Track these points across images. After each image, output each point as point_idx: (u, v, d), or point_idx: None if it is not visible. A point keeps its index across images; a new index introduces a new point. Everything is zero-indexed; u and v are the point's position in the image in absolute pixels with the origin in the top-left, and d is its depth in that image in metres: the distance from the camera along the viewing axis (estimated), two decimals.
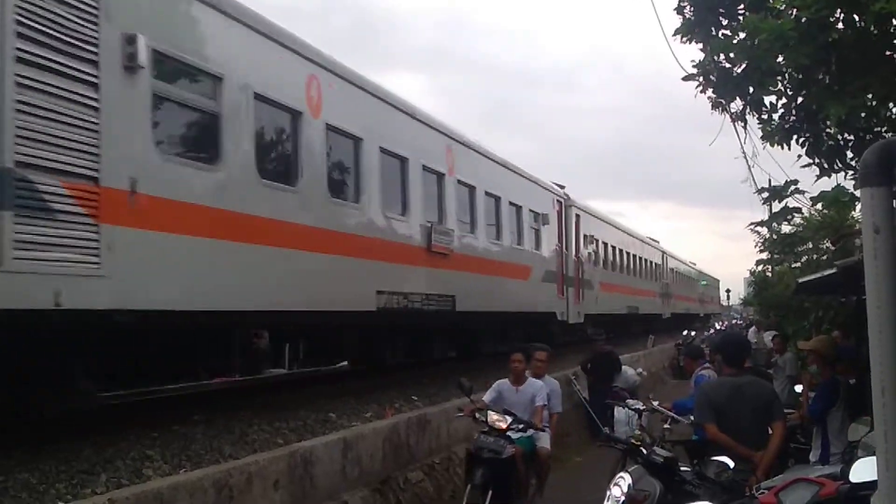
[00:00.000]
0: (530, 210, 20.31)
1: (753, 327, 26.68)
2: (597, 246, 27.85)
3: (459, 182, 15.85)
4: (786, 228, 21.94)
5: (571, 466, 14.47)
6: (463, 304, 15.40)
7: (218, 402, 10.63)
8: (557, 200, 23.21)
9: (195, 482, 6.27)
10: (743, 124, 10.29)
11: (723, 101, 9.46)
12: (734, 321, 55.48)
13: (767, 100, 9.16)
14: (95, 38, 7.10)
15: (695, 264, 65.96)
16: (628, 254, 34.10)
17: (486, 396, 9.29)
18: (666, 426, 9.39)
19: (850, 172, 9.44)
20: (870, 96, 8.04)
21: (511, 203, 18.89)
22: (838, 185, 10.29)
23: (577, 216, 25.05)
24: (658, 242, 45.06)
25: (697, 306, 62.18)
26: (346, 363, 15.79)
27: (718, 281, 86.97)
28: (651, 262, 40.24)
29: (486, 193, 17.34)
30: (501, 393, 9.27)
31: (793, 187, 10.73)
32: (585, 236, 25.76)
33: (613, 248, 31.07)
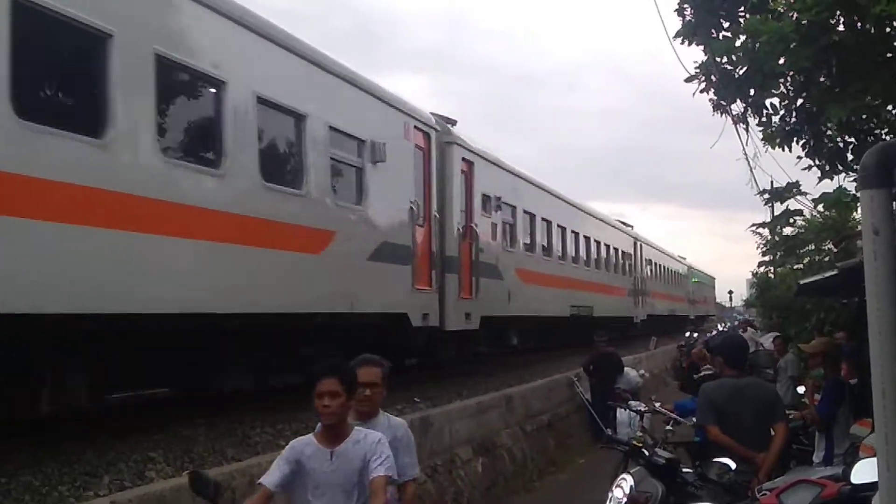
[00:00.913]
0: (337, 130, 11.24)
1: (740, 328, 26.62)
2: (514, 216, 19.07)
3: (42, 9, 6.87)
4: (787, 230, 21.89)
5: (574, 468, 14.52)
6: (50, 298, 6.93)
7: (220, 404, 10.63)
8: (418, 129, 14.05)
9: None
10: (744, 126, 10.32)
11: (724, 103, 9.49)
12: (736, 323, 55.25)
13: (769, 102, 9.18)
14: None
15: (685, 258, 57.65)
16: (576, 234, 25.03)
17: (270, 478, 4.61)
18: (668, 428, 9.40)
19: (852, 174, 9.46)
20: (870, 98, 8.06)
21: (271, 104, 9.86)
22: (840, 186, 10.32)
23: (469, 164, 16.08)
24: (632, 228, 36.70)
25: (686, 307, 53.43)
26: None
27: (714, 279, 79.81)
28: (617, 251, 31.20)
29: (174, 64, 8.41)
30: (303, 464, 4.62)
31: (794, 189, 10.73)
32: (487, 198, 16.99)
33: (547, 222, 22.00)
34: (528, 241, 20.48)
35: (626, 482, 6.30)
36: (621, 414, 12.30)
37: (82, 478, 6.50)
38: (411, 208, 13.35)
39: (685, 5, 9.34)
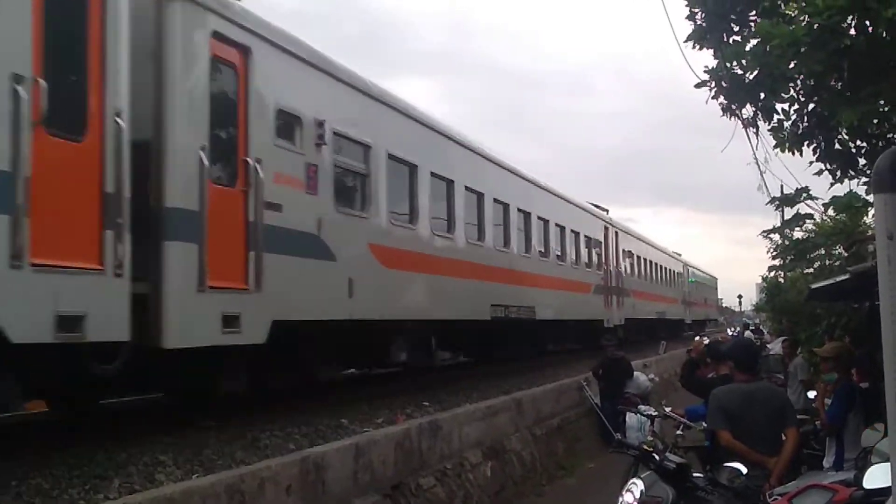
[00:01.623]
0: None
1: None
2: (366, 161, 12.06)
3: None
4: (798, 234, 21.86)
5: (583, 473, 14.48)
6: None
7: (229, 407, 10.65)
8: None
9: (208, 487, 6.30)
10: (755, 130, 10.29)
11: (734, 107, 9.47)
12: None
13: (780, 107, 9.17)
14: None
15: (680, 254, 50.43)
16: (504, 207, 17.96)
17: None
18: (678, 432, 9.38)
19: (863, 178, 9.44)
20: (882, 102, 8.05)
21: None
22: (850, 190, 10.30)
23: (241, 51, 9.35)
24: (607, 212, 29.89)
25: (679, 310, 46.28)
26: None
27: (716, 279, 73.37)
28: (577, 236, 24.21)
29: None
30: None
31: (804, 194, 10.73)
32: (295, 120, 10.30)
33: (445, 182, 14.91)
34: (398, 205, 13.23)
35: (636, 487, 6.28)
36: (631, 418, 12.26)
37: (92, 481, 6.51)
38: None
39: (696, 10, 9.33)
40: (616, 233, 29.53)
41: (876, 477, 4.77)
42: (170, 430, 8.59)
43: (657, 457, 6.60)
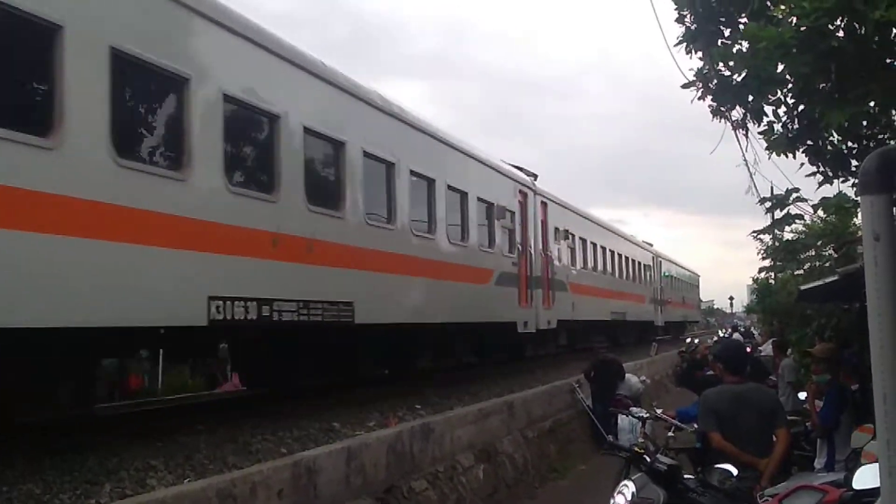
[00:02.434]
0: None
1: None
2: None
3: None
4: (788, 235, 21.91)
5: (575, 474, 14.50)
6: None
7: (221, 411, 10.63)
8: None
9: (199, 492, 6.28)
10: (744, 132, 10.30)
11: (723, 108, 9.48)
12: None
13: (769, 109, 9.19)
14: None
15: (651, 245, 41.94)
16: (306, 132, 10.44)
17: None
18: (670, 434, 9.39)
19: (853, 179, 9.46)
20: (871, 104, 8.07)
21: None
22: (840, 191, 10.33)
23: None
24: (534, 178, 21.31)
25: (648, 310, 37.84)
26: None
27: (698, 276, 63.84)
28: (463, 196, 15.96)
29: None
30: None
31: (794, 195, 10.75)
32: None
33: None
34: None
35: (627, 489, 6.29)
36: (622, 420, 12.29)
37: (83, 486, 6.50)
38: None
39: (685, 13, 9.34)
40: (543, 203, 21.53)
41: (865, 478, 4.80)
42: (161, 435, 8.58)
43: (648, 458, 6.62)
